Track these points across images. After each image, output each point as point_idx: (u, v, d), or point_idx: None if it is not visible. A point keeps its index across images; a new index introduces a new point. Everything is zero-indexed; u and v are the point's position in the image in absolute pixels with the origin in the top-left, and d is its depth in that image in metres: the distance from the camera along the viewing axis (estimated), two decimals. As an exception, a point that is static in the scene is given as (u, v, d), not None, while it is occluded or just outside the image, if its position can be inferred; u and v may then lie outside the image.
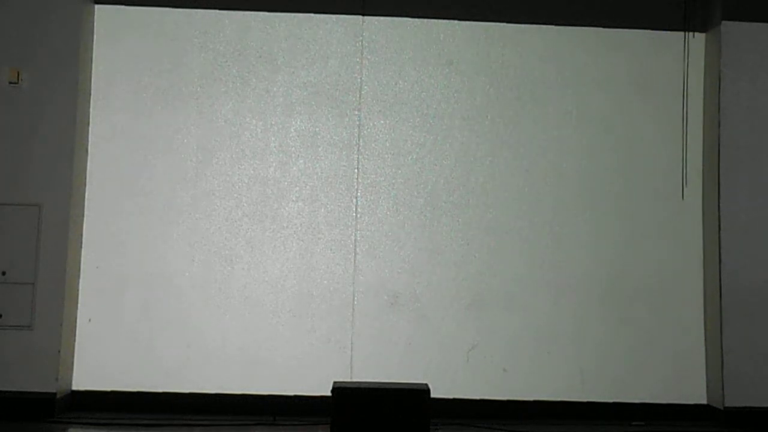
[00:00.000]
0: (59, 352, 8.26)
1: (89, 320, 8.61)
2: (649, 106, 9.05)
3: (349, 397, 6.86)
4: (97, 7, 8.85)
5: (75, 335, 8.56)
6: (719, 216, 8.69)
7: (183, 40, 8.90)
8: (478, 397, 8.69)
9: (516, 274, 8.85)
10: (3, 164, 8.40)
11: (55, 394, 8.21)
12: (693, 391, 8.82)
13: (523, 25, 9.03)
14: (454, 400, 8.60)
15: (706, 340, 8.87)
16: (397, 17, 9.01)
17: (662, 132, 9.04)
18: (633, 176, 9.00)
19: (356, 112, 8.94)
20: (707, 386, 8.81)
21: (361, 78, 8.97)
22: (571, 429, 8.39)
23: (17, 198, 8.37)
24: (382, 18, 9.00)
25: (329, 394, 6.94)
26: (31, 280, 8.31)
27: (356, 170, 8.91)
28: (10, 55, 8.46)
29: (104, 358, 8.58)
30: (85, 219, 8.69)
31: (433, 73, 9.00)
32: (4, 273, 8.31)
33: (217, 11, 8.92)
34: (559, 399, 8.74)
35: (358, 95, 8.95)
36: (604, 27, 9.06)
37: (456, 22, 9.04)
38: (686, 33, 9.05)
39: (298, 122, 8.92)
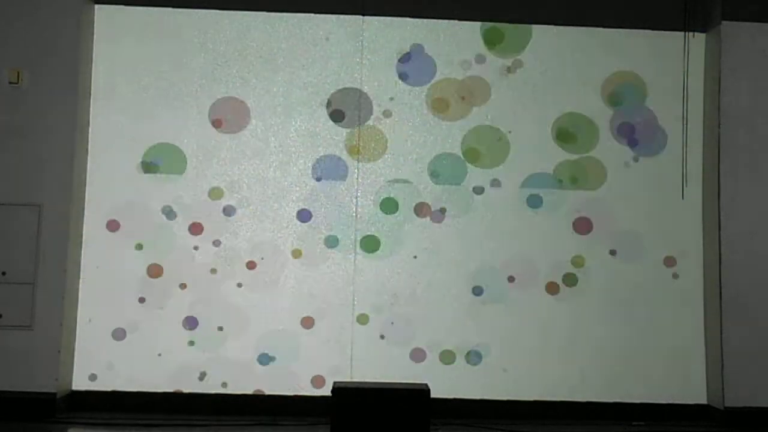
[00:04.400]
0: (59, 352, 8.26)
1: (89, 320, 8.62)
2: (649, 106, 9.05)
3: (349, 397, 6.86)
4: (97, 7, 8.85)
5: (75, 335, 8.57)
6: (719, 216, 8.69)
7: (183, 40, 8.90)
8: (478, 397, 8.70)
9: (516, 274, 8.86)
10: (3, 164, 8.40)
11: (55, 394, 8.21)
12: (693, 391, 8.82)
13: (522, 25, 9.04)
14: (454, 400, 8.60)
15: (706, 340, 8.87)
16: (397, 17, 9.01)
17: (662, 132, 9.04)
18: (633, 176, 9.00)
19: (356, 112, 8.94)
20: (707, 386, 8.81)
21: (361, 78, 8.97)
22: (571, 429, 8.39)
23: (17, 198, 8.38)
24: (382, 18, 9.00)
25: (329, 394, 6.93)
26: (31, 280, 8.31)
27: (356, 170, 8.92)
28: (10, 55, 8.47)
29: (104, 358, 8.59)
30: (85, 219, 8.70)
31: (433, 73, 9.01)
32: (4, 273, 8.31)
33: (217, 11, 8.92)
34: (559, 399, 8.74)
35: (358, 95, 8.95)
36: (604, 27, 9.07)
37: (456, 22, 9.04)
38: (686, 33, 9.05)
39: (298, 122, 8.92)
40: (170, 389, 8.59)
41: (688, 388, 8.82)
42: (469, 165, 8.94)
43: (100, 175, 8.73)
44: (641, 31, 9.09)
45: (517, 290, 8.85)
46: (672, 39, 9.08)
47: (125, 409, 8.45)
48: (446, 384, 8.52)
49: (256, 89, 8.92)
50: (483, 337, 8.77)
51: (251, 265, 8.75)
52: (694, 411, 8.78)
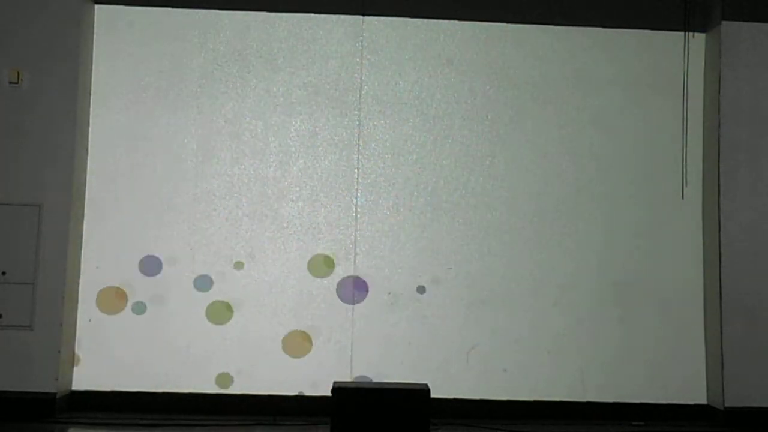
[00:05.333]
0: (59, 352, 8.26)
1: (89, 320, 8.62)
2: (649, 106, 9.06)
3: (349, 397, 6.86)
4: (97, 7, 8.85)
5: (75, 335, 8.56)
6: (719, 216, 8.69)
7: (183, 40, 8.90)
8: (478, 397, 8.69)
9: (516, 274, 8.86)
10: (3, 164, 8.40)
11: (55, 394, 8.21)
12: (693, 391, 8.82)
13: (523, 25, 9.04)
14: (454, 400, 8.60)
15: (706, 340, 8.87)
16: (397, 17, 9.01)
17: (662, 132, 9.04)
18: (633, 176, 9.00)
19: (356, 112, 8.94)
20: (707, 386, 8.81)
21: (361, 78, 8.97)
22: (571, 429, 8.39)
23: (17, 198, 8.38)
24: (382, 18, 9.01)
25: (329, 394, 6.94)
26: (31, 280, 8.31)
27: (356, 170, 8.92)
28: (10, 55, 8.47)
29: (104, 358, 8.59)
30: (85, 219, 8.70)
31: (433, 73, 9.01)
32: (4, 273, 8.31)
33: (217, 11, 8.92)
34: (559, 399, 8.74)
35: (358, 95, 8.95)
36: (604, 27, 9.07)
37: (456, 22, 9.04)
38: (686, 33, 9.05)
39: (298, 122, 8.92)
40: (170, 389, 8.58)
41: (688, 388, 8.82)
42: None
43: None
44: (641, 31, 9.09)
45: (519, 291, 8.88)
46: (672, 39, 9.07)
47: (125, 409, 8.45)
48: (446, 384, 8.52)
49: (256, 89, 8.92)
50: (483, 336, 8.78)
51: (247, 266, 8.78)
52: (694, 411, 8.78)
